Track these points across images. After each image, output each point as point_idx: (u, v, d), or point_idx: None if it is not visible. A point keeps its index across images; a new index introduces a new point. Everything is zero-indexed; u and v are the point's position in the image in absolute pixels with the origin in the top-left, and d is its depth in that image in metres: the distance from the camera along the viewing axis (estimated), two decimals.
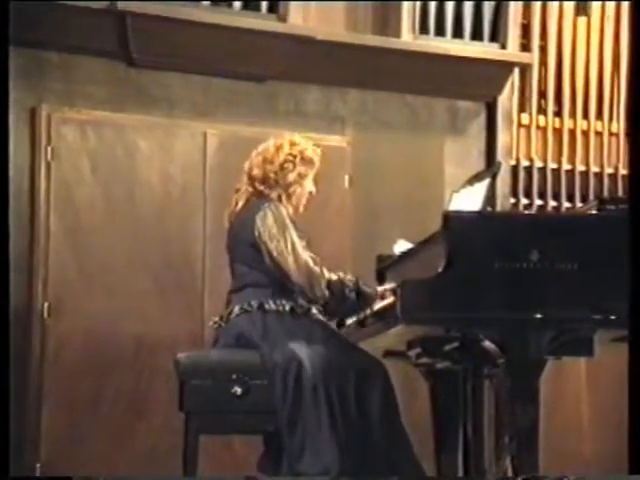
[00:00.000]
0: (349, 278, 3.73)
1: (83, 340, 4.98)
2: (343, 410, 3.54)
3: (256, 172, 3.78)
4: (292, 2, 5.32)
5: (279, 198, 3.75)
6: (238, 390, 3.57)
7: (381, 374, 3.61)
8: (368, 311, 3.68)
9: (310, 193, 3.84)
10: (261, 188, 3.76)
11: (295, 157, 3.77)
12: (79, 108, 5.11)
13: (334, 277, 3.70)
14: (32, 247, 5.00)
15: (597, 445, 5.65)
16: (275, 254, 3.64)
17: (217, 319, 3.79)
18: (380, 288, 3.71)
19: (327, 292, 3.66)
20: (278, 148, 3.79)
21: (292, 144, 3.80)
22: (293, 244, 3.65)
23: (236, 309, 3.70)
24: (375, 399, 3.55)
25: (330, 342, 3.64)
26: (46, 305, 4.97)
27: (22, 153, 5.03)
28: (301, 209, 3.83)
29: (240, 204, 3.80)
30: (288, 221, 3.69)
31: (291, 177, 3.76)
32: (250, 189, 3.79)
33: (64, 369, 4.95)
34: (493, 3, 5.71)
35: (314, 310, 3.72)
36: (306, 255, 3.67)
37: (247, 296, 3.69)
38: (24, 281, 4.97)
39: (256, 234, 3.67)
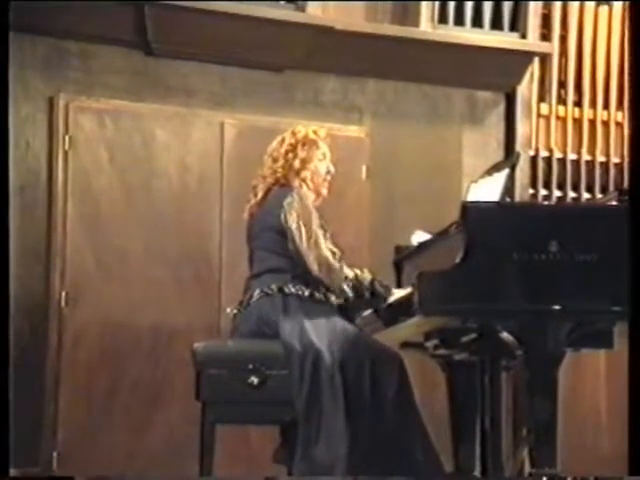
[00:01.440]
0: (365, 276, 3.71)
1: (100, 329, 4.99)
2: (359, 398, 3.53)
3: (267, 171, 3.84)
4: None
5: (300, 185, 3.77)
6: (255, 380, 3.57)
7: (397, 365, 3.60)
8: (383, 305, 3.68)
9: (328, 173, 3.84)
10: (278, 176, 3.80)
11: (295, 145, 3.81)
12: (97, 97, 5.11)
13: (351, 274, 3.70)
14: (50, 236, 5.00)
15: (615, 440, 5.62)
16: (297, 243, 3.66)
17: (236, 306, 3.79)
18: (394, 293, 3.69)
19: (346, 289, 3.67)
20: (281, 142, 3.85)
21: (293, 134, 3.85)
22: (316, 238, 3.66)
23: (256, 293, 3.71)
24: (391, 389, 3.55)
25: (348, 331, 3.64)
26: (63, 294, 4.98)
27: (40, 142, 5.03)
28: (324, 192, 3.85)
29: (260, 195, 3.82)
30: (313, 211, 3.70)
31: (296, 164, 3.79)
32: (268, 181, 3.80)
33: (81, 358, 4.96)
34: None
35: (333, 298, 3.72)
36: (327, 251, 3.68)
37: (267, 280, 3.71)
38: (42, 270, 4.97)
39: (282, 218, 3.68)
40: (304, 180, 3.79)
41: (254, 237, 3.82)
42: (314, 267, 3.65)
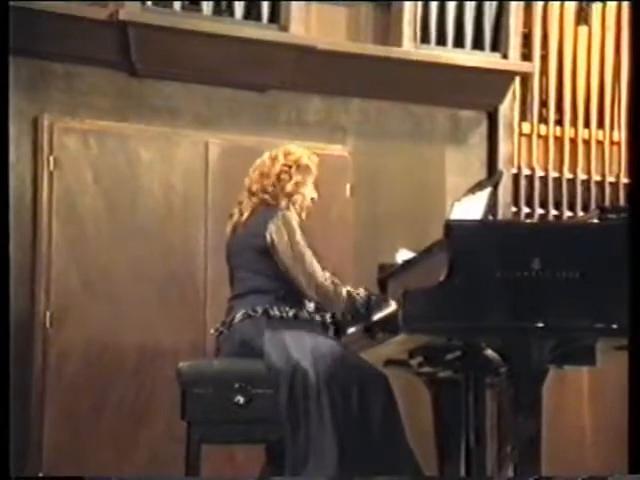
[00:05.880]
0: (360, 293, 3.71)
1: (85, 349, 4.98)
2: (346, 419, 3.53)
3: (255, 187, 3.81)
4: (294, 12, 5.34)
5: (287, 207, 3.76)
6: (240, 399, 3.56)
7: (383, 385, 3.61)
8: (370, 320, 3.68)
9: (312, 200, 3.85)
10: (266, 197, 3.78)
11: (290, 167, 3.79)
12: (81, 118, 5.12)
13: (344, 293, 3.69)
14: (34, 256, 5.00)
15: (599, 455, 5.64)
16: (290, 268, 3.65)
17: (219, 326, 3.79)
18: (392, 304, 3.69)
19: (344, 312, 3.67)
20: (273, 160, 3.81)
21: (287, 154, 3.82)
22: (308, 259, 3.65)
23: (239, 315, 3.69)
24: (377, 410, 3.55)
25: (334, 351, 3.64)
26: (48, 314, 4.97)
27: (24, 163, 5.04)
28: (303, 216, 3.83)
29: (246, 214, 3.79)
30: (299, 233, 3.69)
31: (289, 187, 3.77)
32: (254, 200, 3.79)
33: (66, 378, 4.95)
34: (494, 12, 5.72)
35: (317, 318, 3.73)
36: (319, 272, 3.66)
37: (251, 302, 3.69)
38: (26, 290, 4.97)
39: (268, 240, 3.66)
40: (294, 203, 3.78)
41: (234, 255, 3.81)
42: (310, 292, 3.65)
